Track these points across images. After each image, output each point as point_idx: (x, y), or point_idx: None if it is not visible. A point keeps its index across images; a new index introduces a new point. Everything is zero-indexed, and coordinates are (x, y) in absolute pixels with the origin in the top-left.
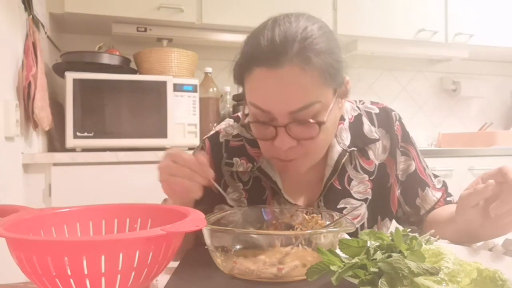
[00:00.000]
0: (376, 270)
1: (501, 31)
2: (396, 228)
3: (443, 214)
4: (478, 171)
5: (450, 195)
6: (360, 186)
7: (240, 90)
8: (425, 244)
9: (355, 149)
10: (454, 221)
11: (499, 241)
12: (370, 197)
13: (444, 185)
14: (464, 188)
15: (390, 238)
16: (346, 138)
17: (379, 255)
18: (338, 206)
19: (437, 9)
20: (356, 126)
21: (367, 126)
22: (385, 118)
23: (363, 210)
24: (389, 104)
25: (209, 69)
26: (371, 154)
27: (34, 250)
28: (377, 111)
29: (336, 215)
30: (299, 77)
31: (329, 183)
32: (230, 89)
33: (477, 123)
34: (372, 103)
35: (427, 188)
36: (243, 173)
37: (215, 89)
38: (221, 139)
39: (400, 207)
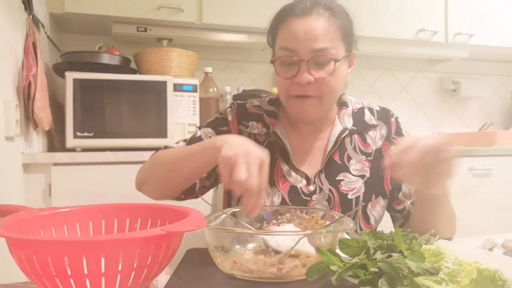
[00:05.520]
0: (376, 270)
1: (501, 31)
2: (396, 228)
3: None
4: (478, 171)
5: None
6: (358, 165)
7: (241, 90)
8: (425, 244)
9: (355, 128)
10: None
11: (499, 241)
12: (368, 175)
13: None
14: (464, 189)
15: (390, 238)
16: (348, 121)
17: (379, 255)
18: (337, 178)
19: (437, 9)
20: (358, 115)
21: (368, 116)
22: (384, 114)
23: (359, 184)
24: (389, 104)
25: (209, 69)
26: (369, 139)
27: (34, 250)
28: (378, 108)
29: (336, 215)
30: (324, 24)
31: (329, 154)
32: (230, 89)
33: (477, 123)
34: (374, 104)
35: None
36: (260, 135)
37: (215, 89)
38: (247, 106)
39: (394, 190)
